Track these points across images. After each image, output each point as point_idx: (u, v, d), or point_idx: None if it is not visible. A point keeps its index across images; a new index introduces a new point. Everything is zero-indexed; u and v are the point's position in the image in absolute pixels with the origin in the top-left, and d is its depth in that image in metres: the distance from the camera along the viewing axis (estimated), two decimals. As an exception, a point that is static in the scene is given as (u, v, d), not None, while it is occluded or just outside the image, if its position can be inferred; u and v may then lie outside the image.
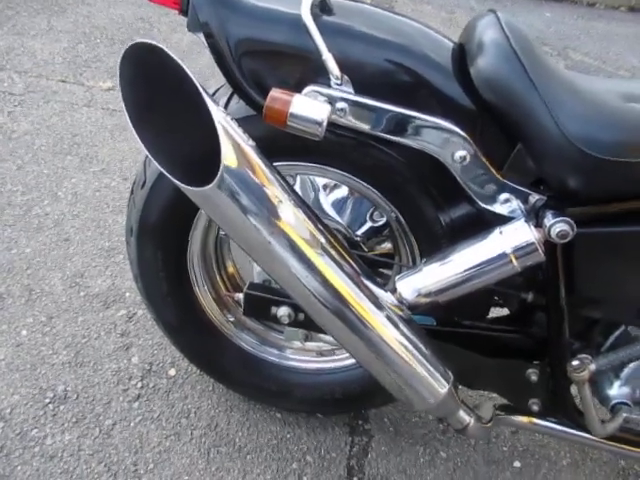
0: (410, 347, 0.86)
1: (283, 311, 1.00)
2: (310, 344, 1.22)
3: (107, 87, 2.51)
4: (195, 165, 0.73)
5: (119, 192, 1.89)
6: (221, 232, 1.17)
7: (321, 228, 0.83)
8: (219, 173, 0.69)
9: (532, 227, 0.84)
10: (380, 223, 1.14)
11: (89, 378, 1.30)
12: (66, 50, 2.75)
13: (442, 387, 0.88)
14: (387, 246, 1.22)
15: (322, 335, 1.15)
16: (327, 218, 1.15)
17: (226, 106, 0.97)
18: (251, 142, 0.76)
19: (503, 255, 0.85)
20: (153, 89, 0.74)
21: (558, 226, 0.82)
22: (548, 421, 1.05)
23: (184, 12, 0.92)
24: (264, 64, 0.88)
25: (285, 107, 0.77)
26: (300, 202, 0.81)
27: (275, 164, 0.91)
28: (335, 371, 1.20)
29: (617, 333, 0.96)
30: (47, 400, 1.24)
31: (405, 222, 1.02)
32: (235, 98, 0.97)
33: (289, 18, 0.85)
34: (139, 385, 1.31)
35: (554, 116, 0.80)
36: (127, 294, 1.53)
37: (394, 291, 0.91)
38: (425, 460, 1.25)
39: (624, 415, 0.96)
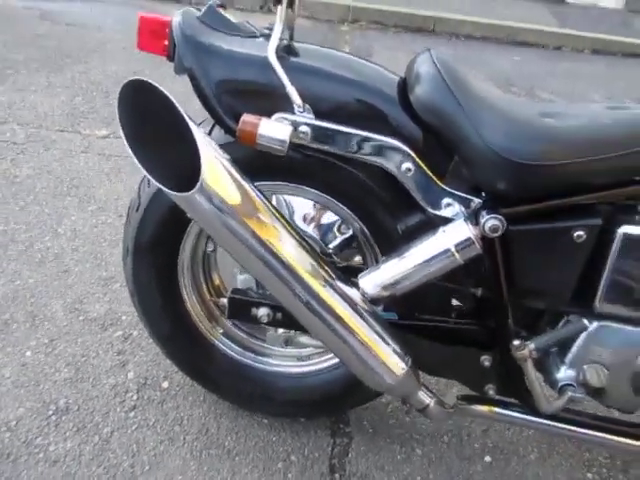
0: (371, 333, 0.99)
1: (262, 311, 1.13)
2: (291, 350, 1.34)
3: (103, 135, 2.70)
4: (182, 177, 0.87)
5: (115, 227, 2.03)
6: (208, 248, 1.31)
7: (291, 230, 0.97)
8: (199, 181, 0.84)
9: (469, 225, 0.99)
10: (347, 235, 1.28)
11: (88, 392, 1.41)
12: (64, 103, 2.96)
13: (400, 368, 1.00)
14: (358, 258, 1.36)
15: (300, 338, 1.27)
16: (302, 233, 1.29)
17: (209, 134, 1.13)
18: (226, 156, 0.91)
19: (447, 250, 0.99)
20: (146, 117, 0.89)
21: (490, 222, 0.97)
22: (506, 409, 1.17)
23: (171, 58, 1.09)
24: (239, 99, 1.04)
25: (254, 129, 0.93)
26: (271, 206, 0.96)
27: (256, 184, 1.07)
28: (315, 374, 1.31)
29: (554, 317, 1.09)
30: (50, 412, 1.34)
31: (369, 232, 1.17)
32: (217, 128, 1.13)
33: (258, 60, 1.02)
34: (135, 397, 1.41)
35: (478, 130, 0.96)
36: (123, 317, 1.64)
37: (358, 287, 1.05)
38: (402, 457, 1.35)
39: (569, 394, 1.08)
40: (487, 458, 1.37)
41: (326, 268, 1.01)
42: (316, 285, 0.97)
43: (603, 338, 1.07)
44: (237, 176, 0.91)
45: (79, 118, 2.84)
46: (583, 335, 1.07)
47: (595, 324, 1.07)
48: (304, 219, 1.34)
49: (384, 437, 1.39)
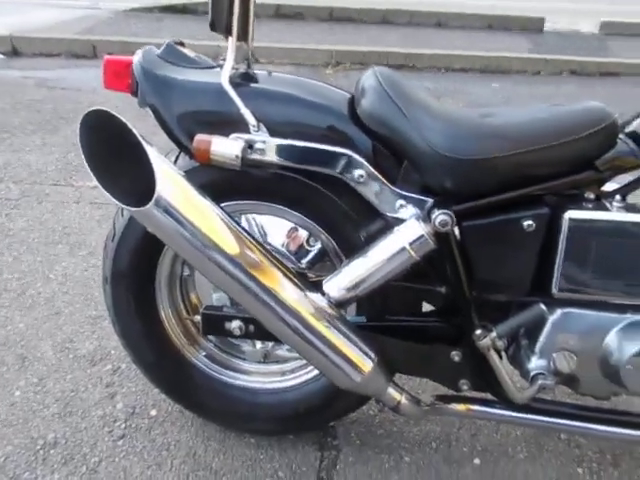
0: (336, 334, 1.03)
1: (235, 324, 1.16)
2: (271, 366, 1.37)
3: (94, 185, 2.76)
4: (141, 195, 0.93)
5: (105, 269, 2.08)
6: (184, 272, 1.35)
7: (251, 240, 1.02)
8: (155, 195, 0.89)
9: (421, 223, 1.04)
10: (316, 248, 1.32)
11: (77, 425, 1.43)
12: (58, 160, 3.07)
13: (367, 366, 1.03)
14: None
15: (277, 352, 1.30)
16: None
17: (175, 162, 1.20)
18: (181, 173, 0.98)
19: (402, 248, 1.04)
20: (108, 143, 0.96)
21: (439, 217, 1.02)
22: (482, 405, 1.18)
23: (134, 94, 1.18)
24: (198, 125, 1.11)
25: (208, 146, 0.99)
26: (229, 218, 1.01)
27: (222, 205, 1.13)
28: (297, 387, 1.33)
29: (518, 308, 1.11)
30: (38, 447, 1.36)
31: (334, 242, 1.22)
32: (182, 155, 1.20)
33: (213, 87, 1.10)
34: (123, 426, 1.43)
35: (421, 134, 1.02)
36: (112, 352, 1.68)
37: (323, 293, 1.09)
38: (390, 465, 1.35)
39: (540, 382, 1.10)
40: (476, 461, 1.37)
41: (289, 276, 1.05)
42: (279, 291, 1.01)
43: (568, 325, 1.10)
44: (192, 190, 0.97)
45: (72, 172, 2.94)
46: (549, 323, 1.10)
47: (558, 311, 1.10)
48: (278, 238, 1.39)
49: (372, 448, 1.39)
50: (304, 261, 1.36)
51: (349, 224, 1.17)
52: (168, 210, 0.93)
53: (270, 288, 1.00)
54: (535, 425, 1.23)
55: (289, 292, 1.02)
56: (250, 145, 1.06)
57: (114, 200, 0.93)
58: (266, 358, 1.32)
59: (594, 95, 4.80)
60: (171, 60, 1.17)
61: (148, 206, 0.90)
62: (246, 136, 1.07)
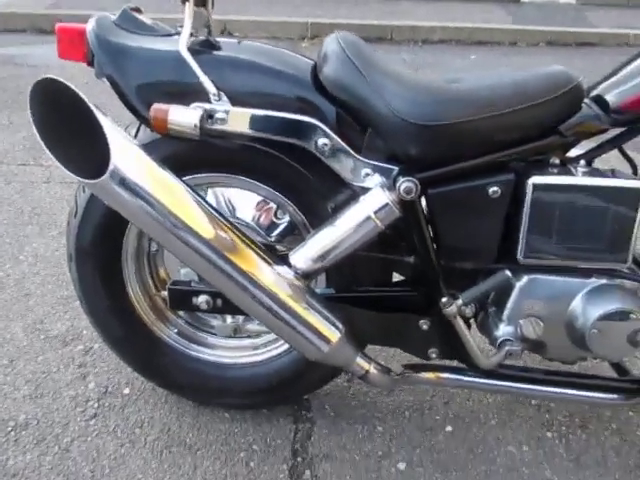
0: (302, 305, 1.02)
1: (202, 299, 1.15)
2: (241, 341, 1.36)
3: (64, 164, 2.72)
4: (97, 167, 0.90)
5: (76, 249, 2.05)
6: (152, 249, 1.33)
7: (211, 211, 1.00)
8: (109, 166, 0.87)
9: (386, 191, 1.02)
10: (285, 221, 1.30)
11: (49, 406, 1.41)
12: (25, 139, 2.99)
13: (334, 336, 1.03)
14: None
15: (248, 326, 1.30)
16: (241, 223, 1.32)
17: (136, 135, 1.17)
18: (137, 143, 0.95)
19: (367, 217, 1.03)
20: (60, 114, 0.93)
21: (403, 185, 1.00)
22: (451, 373, 1.19)
23: (90, 64, 1.13)
24: (157, 96, 1.08)
25: (165, 116, 0.96)
26: (189, 189, 0.99)
27: (184, 179, 1.11)
28: (269, 361, 1.33)
29: (486, 275, 1.12)
30: (9, 429, 1.34)
31: (302, 214, 1.20)
32: (143, 128, 1.16)
33: (171, 55, 1.06)
34: (96, 405, 1.41)
35: (384, 100, 1.00)
36: (84, 332, 1.65)
37: (290, 265, 1.07)
38: (364, 435, 1.36)
39: (507, 348, 1.10)
40: (448, 428, 1.38)
41: (255, 249, 1.03)
42: (243, 265, 1.00)
43: (534, 291, 1.10)
44: (150, 162, 0.94)
45: (40, 151, 2.86)
46: (515, 290, 1.11)
47: (524, 278, 1.10)
48: (246, 211, 1.37)
49: (346, 419, 1.40)
50: (274, 234, 1.34)
51: (316, 195, 1.15)
52: (125, 182, 0.90)
53: (234, 261, 0.98)
54: (504, 391, 1.25)
55: (254, 265, 1.00)
56: (211, 115, 1.03)
57: (68, 172, 0.90)
58: (237, 332, 1.32)
59: (571, 65, 4.79)
60: (127, 27, 1.12)
61: (103, 178, 0.87)
62: (206, 105, 1.04)
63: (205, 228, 0.98)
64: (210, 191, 1.32)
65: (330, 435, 1.36)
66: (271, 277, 1.01)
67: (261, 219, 1.35)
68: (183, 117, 0.97)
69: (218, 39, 1.17)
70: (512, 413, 1.43)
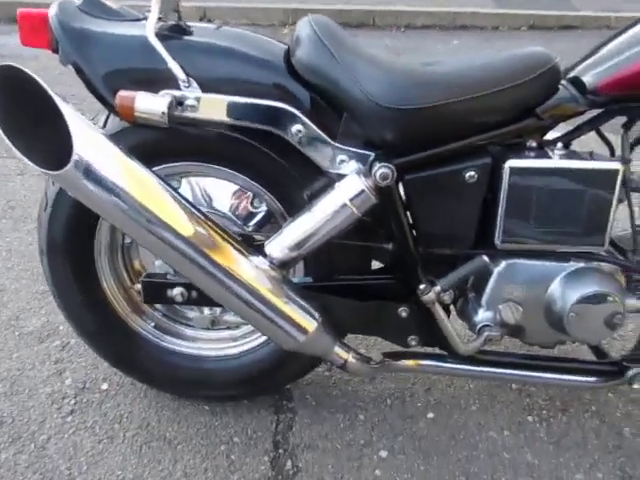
0: (278, 295, 1.01)
1: (177, 291, 1.12)
2: (223, 333, 1.34)
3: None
4: (61, 157, 0.87)
5: (52, 242, 2.00)
6: (126, 241, 1.30)
7: (181, 200, 0.97)
8: (73, 156, 0.84)
9: (362, 177, 1.00)
10: (262, 210, 1.28)
11: (24, 403, 1.38)
12: (-1, 130, 2.91)
13: (310, 325, 1.01)
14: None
15: (225, 317, 1.28)
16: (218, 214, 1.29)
17: (105, 124, 1.13)
18: (102, 132, 0.92)
19: (343, 205, 1.00)
20: (21, 103, 0.89)
21: (379, 170, 0.98)
22: (431, 360, 1.19)
23: (55, 51, 1.09)
24: (124, 83, 1.04)
25: (131, 103, 0.93)
26: (158, 179, 0.96)
27: (156, 168, 1.08)
28: (249, 352, 1.31)
29: (464, 261, 1.10)
30: (-16, 428, 1.32)
31: (278, 203, 1.18)
32: (112, 116, 1.12)
33: (138, 40, 1.02)
34: (72, 402, 1.39)
35: (358, 83, 0.98)
36: (61, 327, 1.62)
37: (265, 255, 1.05)
38: (345, 425, 1.35)
39: (485, 334, 1.10)
40: (430, 415, 1.38)
41: (228, 239, 1.01)
42: (216, 256, 0.97)
43: (512, 275, 1.10)
44: (116, 150, 0.91)
45: (15, 142, 2.79)
46: (494, 275, 1.10)
47: (503, 263, 1.09)
48: (223, 201, 1.34)
49: (327, 408, 1.39)
50: (251, 224, 1.32)
51: (292, 183, 1.13)
52: (90, 173, 0.87)
53: (207, 253, 0.96)
54: (485, 377, 1.25)
55: (228, 257, 0.98)
56: (180, 102, 1.00)
57: (31, 163, 0.87)
58: (215, 324, 1.29)
59: (552, 48, 4.76)
60: (92, 12, 1.08)
61: (66, 168, 0.84)
62: (175, 92, 1.00)
63: (176, 220, 0.95)
64: (185, 181, 1.29)
65: (312, 425, 1.35)
66: (245, 268, 0.99)
67: (238, 209, 1.33)
68: (150, 104, 0.94)
69: (189, 24, 1.13)
70: (493, 398, 1.43)
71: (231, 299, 0.99)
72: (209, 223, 0.99)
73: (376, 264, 1.24)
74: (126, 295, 1.30)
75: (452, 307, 1.21)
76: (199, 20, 5.53)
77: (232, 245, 1.00)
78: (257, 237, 1.29)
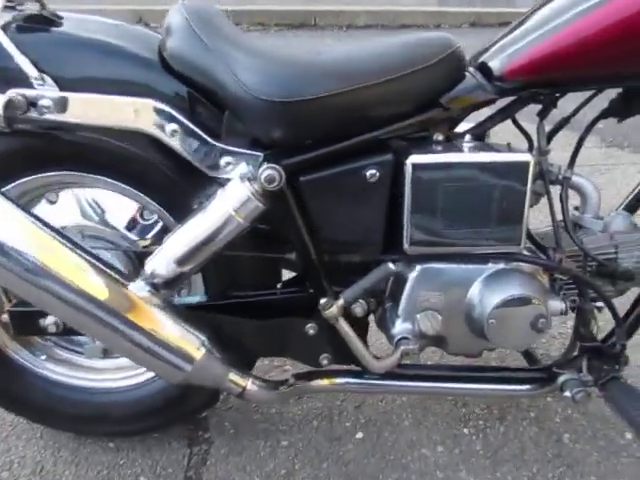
0: (155, 323, 0.88)
1: (50, 320, 0.98)
2: (120, 360, 1.20)
3: None
4: None
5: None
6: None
7: (39, 225, 0.83)
8: None
9: (246, 182, 0.88)
10: (151, 221, 1.15)
11: None
12: None
13: (197, 350, 0.88)
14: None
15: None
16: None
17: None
18: None
19: (227, 214, 0.88)
20: None
21: (264, 173, 0.87)
22: (346, 377, 1.08)
23: None
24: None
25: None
26: (7, 201, 0.82)
27: (27, 179, 0.94)
28: (151, 381, 1.17)
29: (373, 267, 1.00)
30: None
31: (166, 212, 1.05)
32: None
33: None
34: (-45, 449, 1.22)
35: (234, 75, 0.86)
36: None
37: (143, 275, 0.92)
38: (266, 453, 1.23)
39: (402, 348, 0.99)
40: (359, 435, 1.27)
41: (94, 265, 0.87)
42: (80, 285, 0.83)
43: (427, 282, 1.00)
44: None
45: None
46: (408, 283, 1.00)
47: (416, 268, 0.99)
48: (115, 213, 1.20)
49: (247, 435, 1.27)
50: (149, 236, 1.19)
51: (177, 191, 1.00)
52: None
53: (66, 282, 0.82)
54: (407, 391, 1.16)
55: (93, 286, 0.84)
56: (33, 102, 0.87)
57: None
58: (107, 353, 1.15)
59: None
60: None
61: None
62: (27, 91, 0.87)
63: (31, 247, 0.81)
64: (70, 192, 1.15)
65: (229, 456, 1.22)
66: (114, 296, 0.85)
67: (135, 221, 1.20)
68: (-16, 106, 0.80)
69: (60, 14, 0.99)
70: (427, 411, 1.33)
71: (102, 332, 0.86)
72: (74, 250, 0.85)
73: (287, 276, 1.13)
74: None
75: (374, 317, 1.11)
76: (136, 24, 5.35)
77: (101, 273, 0.86)
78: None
